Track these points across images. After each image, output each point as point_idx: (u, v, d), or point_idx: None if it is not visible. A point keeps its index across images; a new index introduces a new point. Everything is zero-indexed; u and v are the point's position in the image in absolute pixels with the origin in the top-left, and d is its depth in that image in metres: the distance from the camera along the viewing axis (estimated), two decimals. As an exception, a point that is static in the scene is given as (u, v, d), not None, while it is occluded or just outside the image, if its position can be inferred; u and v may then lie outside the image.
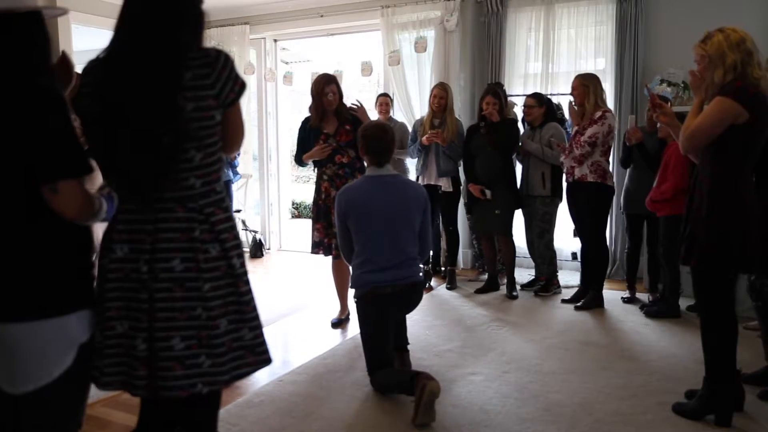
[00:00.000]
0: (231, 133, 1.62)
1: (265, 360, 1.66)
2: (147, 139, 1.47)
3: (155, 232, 1.52)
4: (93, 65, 1.57)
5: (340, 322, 4.10)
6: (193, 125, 1.49)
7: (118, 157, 1.51)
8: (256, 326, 1.63)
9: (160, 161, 1.48)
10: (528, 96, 4.79)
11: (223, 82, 1.52)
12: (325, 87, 3.88)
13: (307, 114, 4.09)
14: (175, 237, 1.52)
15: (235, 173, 6.10)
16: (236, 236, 1.62)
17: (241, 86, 1.57)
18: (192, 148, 1.51)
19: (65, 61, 1.76)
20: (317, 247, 4.03)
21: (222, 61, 1.52)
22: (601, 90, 4.28)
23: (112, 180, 1.58)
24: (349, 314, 4.16)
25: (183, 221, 1.53)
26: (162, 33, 1.51)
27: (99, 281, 1.57)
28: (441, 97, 4.73)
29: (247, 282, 1.62)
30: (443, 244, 5.29)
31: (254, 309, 1.63)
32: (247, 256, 6.58)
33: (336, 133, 3.94)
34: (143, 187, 1.51)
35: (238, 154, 5.99)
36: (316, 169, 4.11)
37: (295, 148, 4.18)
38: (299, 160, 4.11)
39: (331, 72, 4.77)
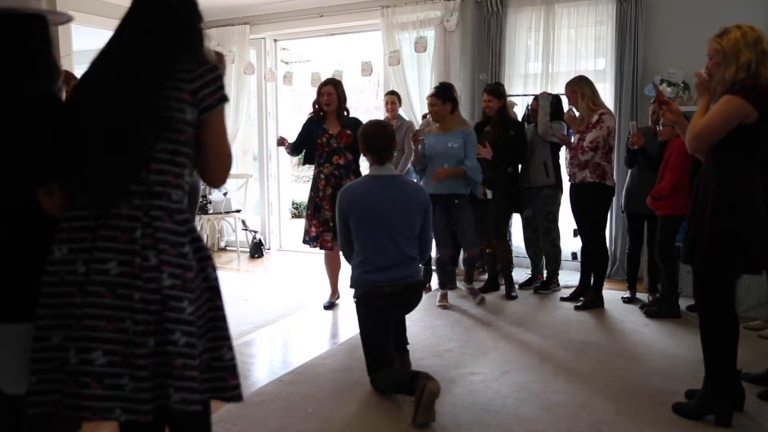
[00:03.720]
0: (209, 153, 1.53)
1: (186, 404, 1.40)
2: (119, 136, 1.43)
3: (96, 229, 1.41)
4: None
5: (331, 305, 4.47)
6: (163, 113, 1.44)
7: (90, 153, 1.45)
8: (178, 364, 1.40)
9: (128, 158, 1.42)
10: (534, 100, 4.78)
11: (203, 82, 1.47)
12: (322, 87, 4.33)
13: (309, 113, 4.47)
14: (116, 236, 1.40)
15: None
16: (180, 254, 1.43)
17: (220, 98, 1.50)
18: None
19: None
20: (313, 241, 4.35)
21: (210, 68, 1.50)
22: (591, 90, 4.22)
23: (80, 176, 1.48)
24: (338, 296, 4.52)
25: (124, 219, 1.41)
26: (156, 34, 1.49)
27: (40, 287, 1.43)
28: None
29: (179, 309, 1.41)
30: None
31: (178, 341, 1.41)
32: (246, 256, 6.58)
33: (338, 135, 4.28)
34: (109, 188, 1.42)
35: None
36: (314, 167, 4.42)
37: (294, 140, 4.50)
38: (296, 149, 4.47)
39: (331, 72, 4.96)
